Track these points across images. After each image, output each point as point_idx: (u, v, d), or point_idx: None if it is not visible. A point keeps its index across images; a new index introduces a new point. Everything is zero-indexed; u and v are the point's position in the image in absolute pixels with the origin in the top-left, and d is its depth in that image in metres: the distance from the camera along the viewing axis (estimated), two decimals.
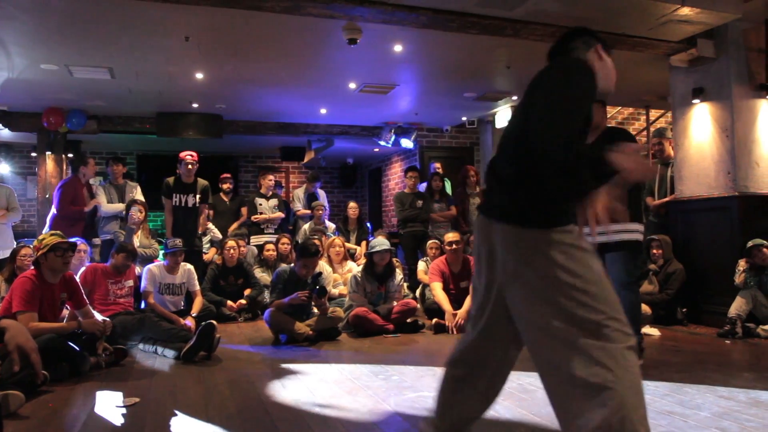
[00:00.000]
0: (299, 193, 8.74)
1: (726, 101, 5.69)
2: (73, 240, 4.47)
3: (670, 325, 5.58)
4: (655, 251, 5.86)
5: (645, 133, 9.71)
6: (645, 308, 5.65)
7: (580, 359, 1.74)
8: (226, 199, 8.22)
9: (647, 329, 5.20)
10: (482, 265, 2.02)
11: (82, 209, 6.96)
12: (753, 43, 5.73)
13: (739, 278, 5.13)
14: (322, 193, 8.89)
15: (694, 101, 5.92)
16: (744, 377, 3.63)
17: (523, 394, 3.26)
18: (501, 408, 3.00)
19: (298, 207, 8.62)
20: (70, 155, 8.82)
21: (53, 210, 6.98)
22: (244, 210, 8.17)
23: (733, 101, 5.64)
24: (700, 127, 5.88)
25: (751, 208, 5.53)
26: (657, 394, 3.23)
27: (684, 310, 5.78)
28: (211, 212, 7.83)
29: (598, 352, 1.73)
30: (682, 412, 2.92)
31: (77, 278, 4.53)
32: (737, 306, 5.01)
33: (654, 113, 9.69)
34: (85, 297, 4.31)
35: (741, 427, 2.67)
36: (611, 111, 10.02)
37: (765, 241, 5.09)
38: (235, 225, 8.06)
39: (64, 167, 8.57)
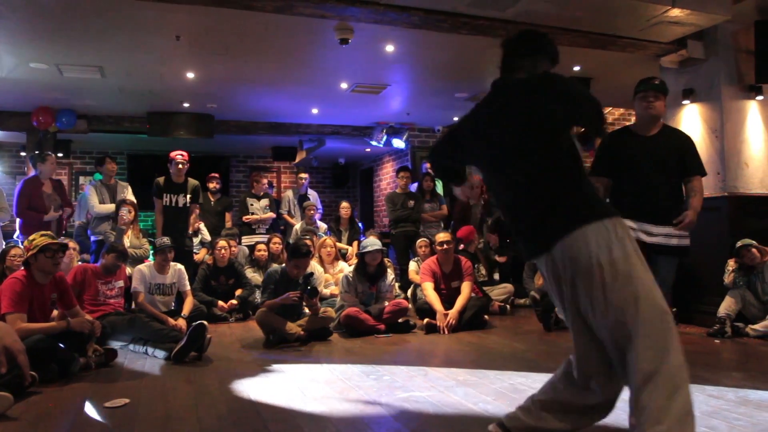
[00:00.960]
0: (290, 194, 8.71)
1: (716, 102, 5.73)
2: (63, 240, 4.45)
3: None
4: None
5: None
6: None
7: None
8: (212, 198, 8.16)
9: None
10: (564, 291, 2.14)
11: (41, 216, 6.36)
12: (742, 44, 5.76)
13: (728, 278, 5.15)
14: (313, 194, 8.86)
15: (684, 102, 5.95)
16: (733, 376, 3.65)
17: (514, 393, 3.26)
18: (492, 407, 3.00)
19: (284, 211, 8.55)
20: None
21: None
22: (227, 215, 8.16)
23: (722, 102, 5.68)
24: (690, 127, 5.91)
25: (741, 208, 5.57)
26: None
27: (674, 309, 5.74)
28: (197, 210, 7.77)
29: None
30: None
31: (67, 278, 4.50)
32: (726, 306, 5.04)
33: None
34: (74, 298, 4.29)
35: (730, 426, 2.69)
36: None
37: (753, 242, 5.12)
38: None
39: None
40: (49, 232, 4.17)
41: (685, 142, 4.16)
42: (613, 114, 10.63)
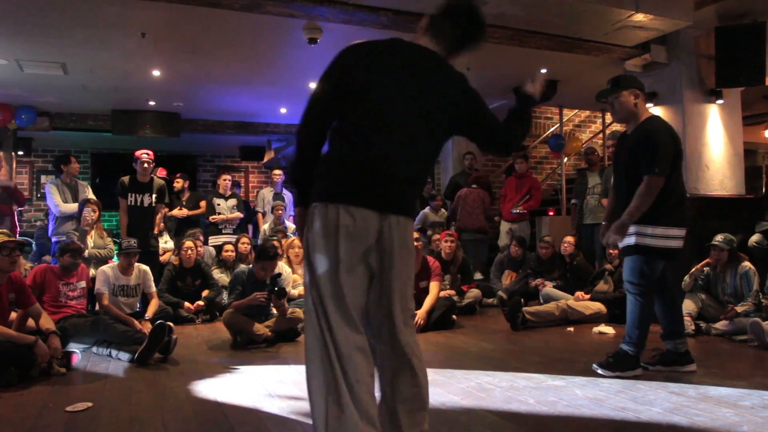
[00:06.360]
0: (265, 193, 8.63)
1: (678, 105, 5.86)
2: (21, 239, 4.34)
3: (624, 323, 5.68)
4: (611, 251, 5.98)
5: (601, 135, 9.92)
6: (600, 307, 5.78)
7: None
8: (182, 198, 8.11)
9: (602, 328, 5.30)
10: None
11: None
12: (703, 49, 5.91)
13: (685, 284, 5.20)
14: (288, 194, 8.80)
15: (648, 105, 6.06)
16: (693, 374, 3.73)
17: (481, 392, 3.29)
18: (460, 406, 3.02)
19: (259, 209, 8.53)
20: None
21: None
22: (202, 203, 8.07)
23: (684, 106, 5.82)
24: None
25: (701, 209, 5.70)
26: (611, 391, 3.30)
27: None
28: (167, 210, 7.66)
29: None
30: (635, 408, 2.99)
31: (26, 279, 4.39)
32: (687, 306, 5.12)
33: (610, 116, 9.89)
34: (32, 295, 4.18)
35: (690, 422, 2.75)
36: (568, 113, 10.21)
37: (719, 243, 5.16)
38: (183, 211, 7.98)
39: (14, 165, 8.31)
40: (5, 230, 4.07)
41: (641, 135, 3.59)
42: (579, 116, 10.80)
